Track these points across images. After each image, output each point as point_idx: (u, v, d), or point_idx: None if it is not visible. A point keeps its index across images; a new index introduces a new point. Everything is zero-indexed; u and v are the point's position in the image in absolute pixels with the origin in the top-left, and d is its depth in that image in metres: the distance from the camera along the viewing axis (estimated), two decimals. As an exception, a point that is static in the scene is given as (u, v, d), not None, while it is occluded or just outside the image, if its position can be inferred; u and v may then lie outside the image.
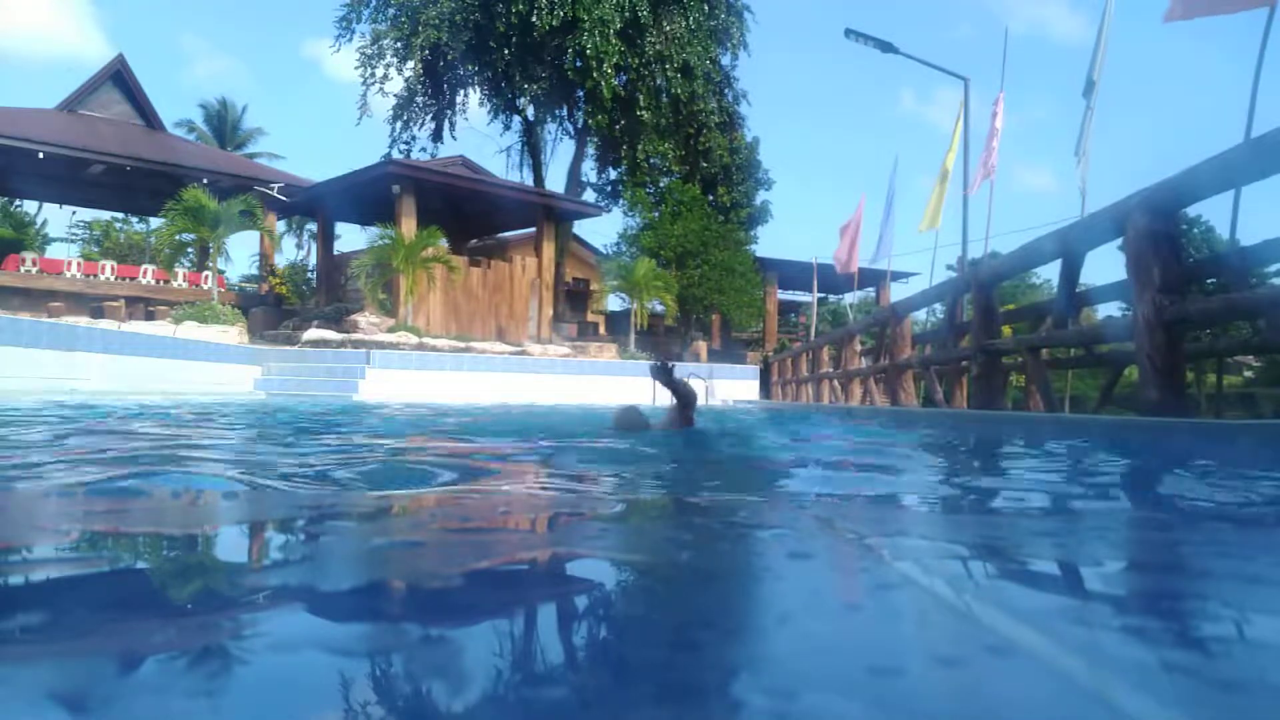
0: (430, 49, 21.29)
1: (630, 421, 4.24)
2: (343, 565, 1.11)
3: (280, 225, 27.66)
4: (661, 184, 25.45)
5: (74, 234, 34.12)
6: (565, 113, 24.56)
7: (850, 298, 31.05)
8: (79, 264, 22.53)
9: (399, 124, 23.32)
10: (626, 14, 20.99)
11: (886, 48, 14.17)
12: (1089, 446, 3.96)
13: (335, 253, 22.34)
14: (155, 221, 25.99)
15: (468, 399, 13.08)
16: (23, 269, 20.45)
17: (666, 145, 23.76)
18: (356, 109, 22.97)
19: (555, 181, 24.91)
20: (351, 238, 77.18)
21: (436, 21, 20.80)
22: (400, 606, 0.90)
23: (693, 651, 0.70)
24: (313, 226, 27.91)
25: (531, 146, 24.52)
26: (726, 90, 25.15)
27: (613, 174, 26.47)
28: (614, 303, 26.73)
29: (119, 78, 21.95)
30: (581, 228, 27.28)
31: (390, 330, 16.63)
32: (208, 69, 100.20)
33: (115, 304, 18.28)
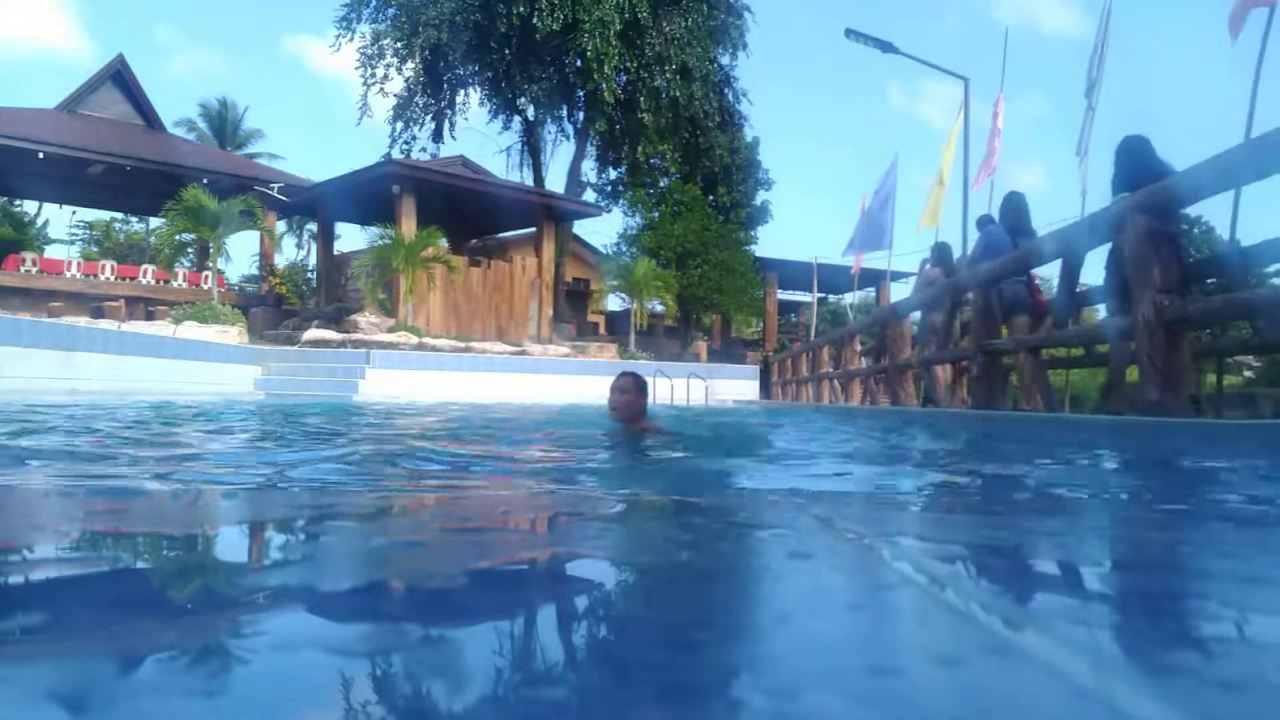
0: (430, 49, 21.28)
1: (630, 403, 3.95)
2: (343, 565, 1.11)
3: (280, 225, 27.67)
4: (661, 184, 25.46)
5: (74, 234, 34.16)
6: (565, 113, 24.56)
7: (850, 298, 31.05)
8: (79, 264, 22.53)
9: (399, 124, 23.33)
10: (626, 15, 20.98)
11: (886, 48, 14.17)
12: (1088, 447, 3.96)
13: (335, 253, 22.34)
14: (155, 221, 26.01)
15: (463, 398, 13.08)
16: (23, 269, 20.44)
17: (666, 146, 23.76)
18: (357, 109, 23.02)
19: (555, 181, 24.93)
20: (351, 238, 77.20)
21: (437, 22, 20.80)
22: (400, 606, 0.90)
23: (693, 651, 0.70)
24: (313, 226, 27.91)
25: (531, 146, 24.52)
26: (726, 90, 25.16)
27: (613, 174, 26.49)
28: (614, 303, 26.78)
29: (119, 77, 21.95)
30: (581, 228, 27.29)
31: (390, 330, 16.63)
32: (197, 66, 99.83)
33: (115, 304, 18.27)
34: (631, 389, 4.00)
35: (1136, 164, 4.99)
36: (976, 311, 6.33)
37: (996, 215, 7.84)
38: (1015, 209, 7.27)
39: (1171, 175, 4.25)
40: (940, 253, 8.71)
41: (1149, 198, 3.98)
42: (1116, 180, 5.23)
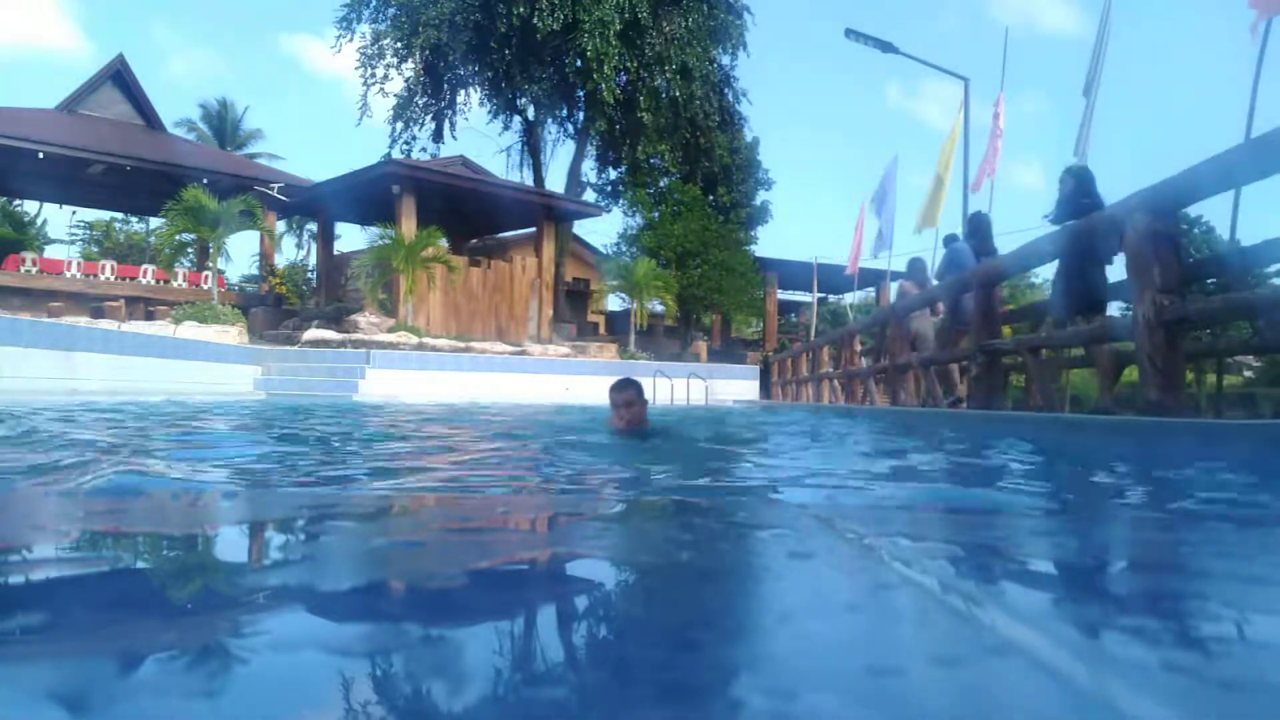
0: (430, 49, 21.28)
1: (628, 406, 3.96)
2: (343, 565, 1.11)
3: (280, 225, 27.66)
4: (661, 184, 25.46)
5: (74, 234, 34.17)
6: (565, 113, 24.56)
7: (850, 298, 31.06)
8: (79, 264, 22.52)
9: (399, 124, 23.33)
10: (626, 15, 20.98)
11: (887, 48, 14.18)
12: (1089, 447, 3.96)
13: (335, 253, 22.35)
14: (155, 221, 26.00)
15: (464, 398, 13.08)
16: (23, 269, 20.44)
17: (665, 146, 23.77)
18: (357, 109, 23.03)
19: (555, 181, 24.93)
20: (351, 238, 77.17)
21: (437, 21, 20.80)
22: (400, 606, 0.89)
23: (693, 651, 0.70)
24: (313, 226, 27.92)
25: (531, 146, 24.52)
26: (726, 90, 25.16)
27: (613, 174, 26.49)
28: (614, 303, 26.78)
29: (119, 77, 21.94)
30: (581, 228, 27.30)
31: (390, 330, 16.63)
32: (197, 67, 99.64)
33: (115, 304, 18.26)
34: (637, 400, 4.06)
35: (1075, 193, 5.37)
36: (976, 313, 6.34)
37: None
38: (979, 229, 7.97)
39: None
40: (914, 267, 9.59)
41: (1149, 198, 3.97)
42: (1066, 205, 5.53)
